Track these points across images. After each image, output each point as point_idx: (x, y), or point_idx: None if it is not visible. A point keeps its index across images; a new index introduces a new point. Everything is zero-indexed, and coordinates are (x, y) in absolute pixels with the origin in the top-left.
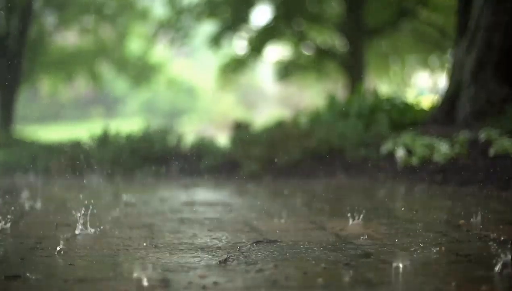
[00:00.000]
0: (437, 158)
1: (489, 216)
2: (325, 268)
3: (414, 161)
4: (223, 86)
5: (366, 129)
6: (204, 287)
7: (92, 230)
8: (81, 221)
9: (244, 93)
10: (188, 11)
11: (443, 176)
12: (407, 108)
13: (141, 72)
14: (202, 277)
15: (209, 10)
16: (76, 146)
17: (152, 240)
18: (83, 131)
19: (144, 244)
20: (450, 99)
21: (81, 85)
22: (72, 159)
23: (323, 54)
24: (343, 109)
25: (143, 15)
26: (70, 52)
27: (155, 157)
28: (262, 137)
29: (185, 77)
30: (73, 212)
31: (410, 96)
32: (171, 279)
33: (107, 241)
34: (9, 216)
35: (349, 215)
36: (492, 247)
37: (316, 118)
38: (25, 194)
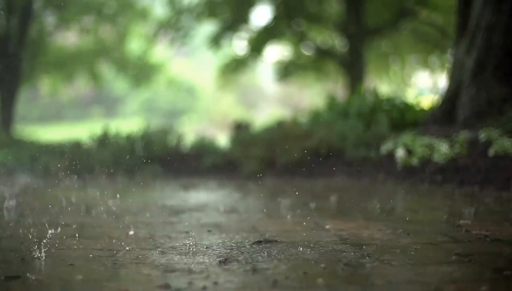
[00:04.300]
0: (437, 158)
1: (489, 216)
2: (325, 268)
3: (414, 161)
4: (222, 86)
5: (366, 129)
6: (204, 287)
7: (92, 231)
8: (81, 222)
9: (244, 93)
10: (188, 11)
11: (443, 176)
12: (407, 108)
13: (141, 72)
14: (202, 277)
15: (209, 10)
16: (76, 146)
17: (151, 240)
18: (83, 131)
19: (144, 245)
20: (450, 99)
21: (81, 85)
22: (72, 159)
23: (323, 54)
24: (343, 109)
25: (143, 15)
26: (70, 52)
27: (155, 156)
28: (262, 137)
29: (185, 77)
30: (73, 212)
31: (410, 96)
32: (172, 279)
33: (107, 241)
34: (9, 216)
35: (349, 215)
36: (492, 247)
37: (316, 118)
38: (24, 194)
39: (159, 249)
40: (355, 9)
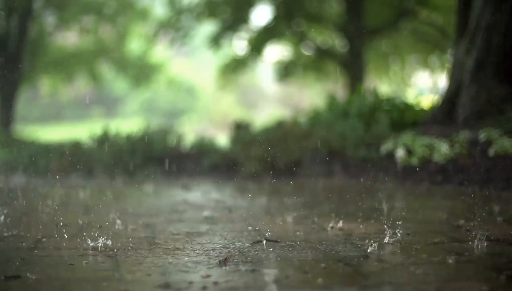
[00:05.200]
0: (437, 158)
1: (489, 216)
2: (325, 267)
3: (414, 161)
4: (222, 86)
5: (366, 129)
6: (204, 287)
7: (92, 230)
8: (81, 222)
9: (244, 93)
10: (188, 11)
11: (443, 176)
12: (407, 108)
13: (141, 72)
14: (202, 277)
15: (209, 10)
16: (76, 146)
17: (152, 240)
18: (83, 131)
19: (144, 244)
20: (450, 99)
21: (81, 85)
22: (72, 159)
23: (323, 54)
24: (343, 109)
25: (143, 15)
26: (70, 52)
27: (155, 156)
28: (262, 137)
29: (185, 77)
30: (73, 212)
31: (410, 96)
32: (172, 279)
33: (107, 241)
34: (9, 216)
35: (349, 215)
36: (492, 247)
37: (316, 118)
38: (24, 194)
39: (159, 249)
40: (355, 9)
